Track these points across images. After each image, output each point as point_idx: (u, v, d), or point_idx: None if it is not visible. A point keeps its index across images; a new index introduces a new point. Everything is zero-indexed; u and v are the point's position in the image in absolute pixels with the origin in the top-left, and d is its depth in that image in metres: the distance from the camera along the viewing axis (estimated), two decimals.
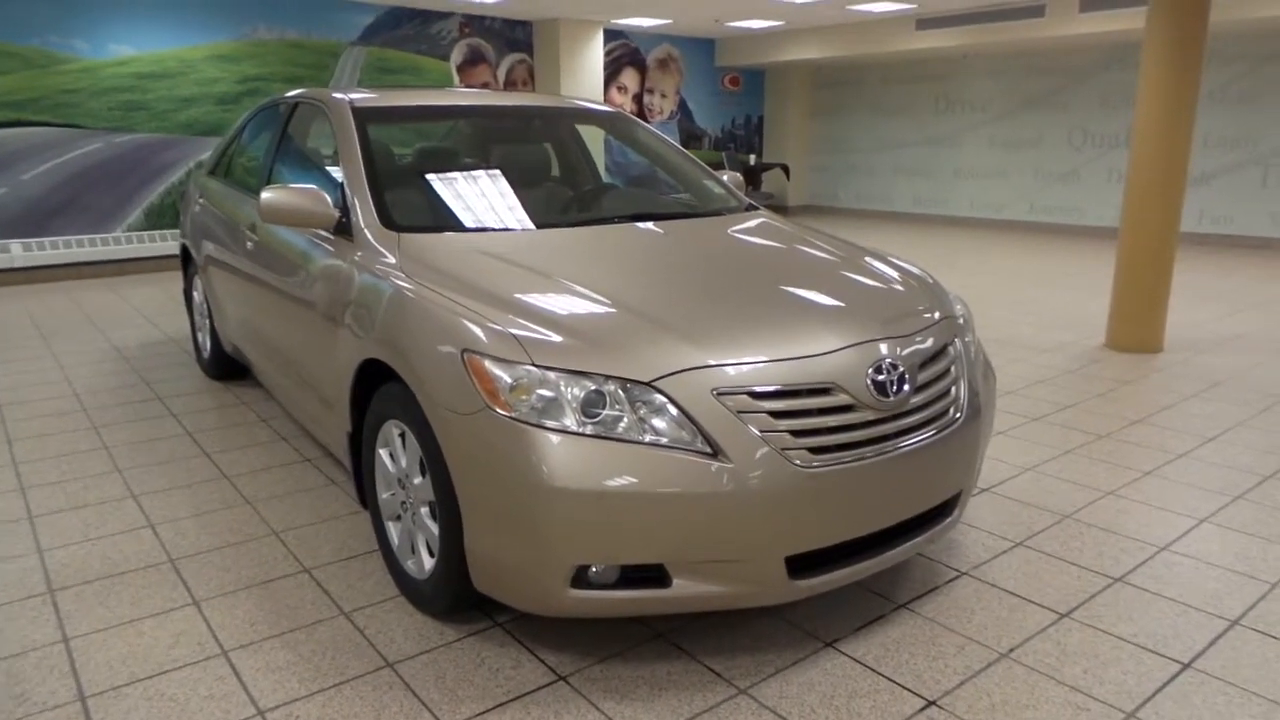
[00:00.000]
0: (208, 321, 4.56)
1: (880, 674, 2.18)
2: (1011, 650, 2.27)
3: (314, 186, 2.84)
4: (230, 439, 3.81)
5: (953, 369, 2.41)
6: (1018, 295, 7.16)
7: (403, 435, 2.39)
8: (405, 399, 2.29)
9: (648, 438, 1.97)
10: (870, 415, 2.13)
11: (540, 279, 2.36)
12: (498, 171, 3.32)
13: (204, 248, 4.35)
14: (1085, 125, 11.20)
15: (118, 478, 3.40)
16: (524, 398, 1.99)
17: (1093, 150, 11.18)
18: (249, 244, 3.59)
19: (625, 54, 12.33)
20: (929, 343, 2.36)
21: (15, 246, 7.64)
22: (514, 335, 2.07)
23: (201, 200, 4.49)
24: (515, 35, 10.91)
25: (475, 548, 2.12)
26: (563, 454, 1.94)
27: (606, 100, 12.06)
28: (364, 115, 3.15)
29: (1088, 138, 11.20)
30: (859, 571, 2.19)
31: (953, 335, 2.49)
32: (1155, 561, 2.73)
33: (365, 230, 2.72)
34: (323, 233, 2.95)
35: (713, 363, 2.03)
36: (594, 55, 11.01)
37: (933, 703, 2.07)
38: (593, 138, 4.01)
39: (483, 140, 3.69)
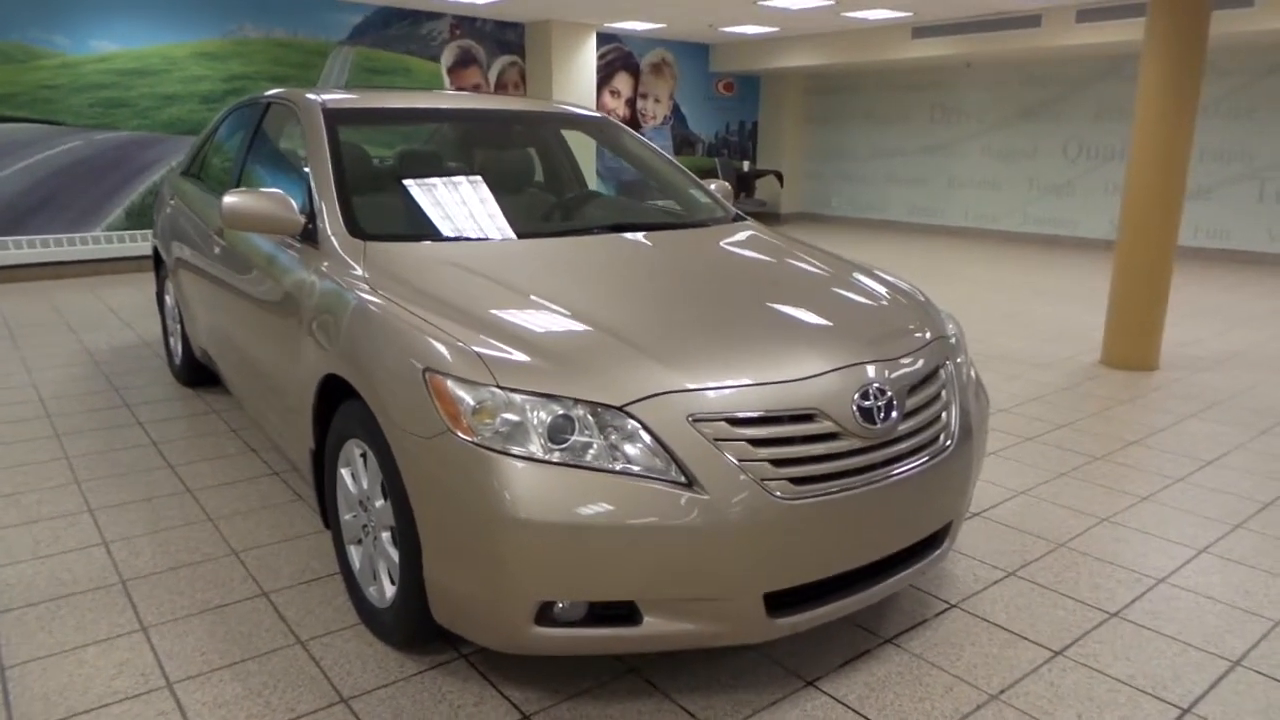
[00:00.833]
0: (179, 326, 4.42)
1: (864, 716, 2.06)
2: (1002, 692, 2.15)
3: (279, 191, 2.71)
4: (197, 450, 3.68)
5: (944, 393, 2.29)
6: (1011, 308, 7.06)
7: (364, 455, 2.26)
8: (366, 418, 2.17)
9: (618, 466, 1.85)
10: (856, 443, 2.01)
11: (511, 293, 2.24)
12: (476, 178, 3.20)
13: (174, 250, 4.21)
14: (1081, 137, 11.14)
15: (75, 490, 3.26)
16: (487, 421, 1.87)
17: (1088, 162, 11.12)
18: (217, 248, 3.45)
19: (618, 58, 12.23)
20: (919, 365, 2.24)
21: None
22: (479, 354, 1.94)
23: (173, 201, 4.36)
24: (507, 37, 10.79)
25: (434, 578, 1.99)
26: (527, 483, 1.82)
27: (599, 104, 11.95)
28: (335, 117, 3.02)
29: (1083, 149, 11.13)
30: (843, 608, 2.07)
31: (944, 357, 2.37)
32: (1153, 595, 2.61)
33: (331, 238, 2.60)
34: (290, 239, 2.82)
35: (689, 387, 1.91)
36: (587, 58, 10.90)
37: None
38: (586, 144, 3.87)
39: (461, 145, 3.57)
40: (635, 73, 12.49)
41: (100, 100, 7.95)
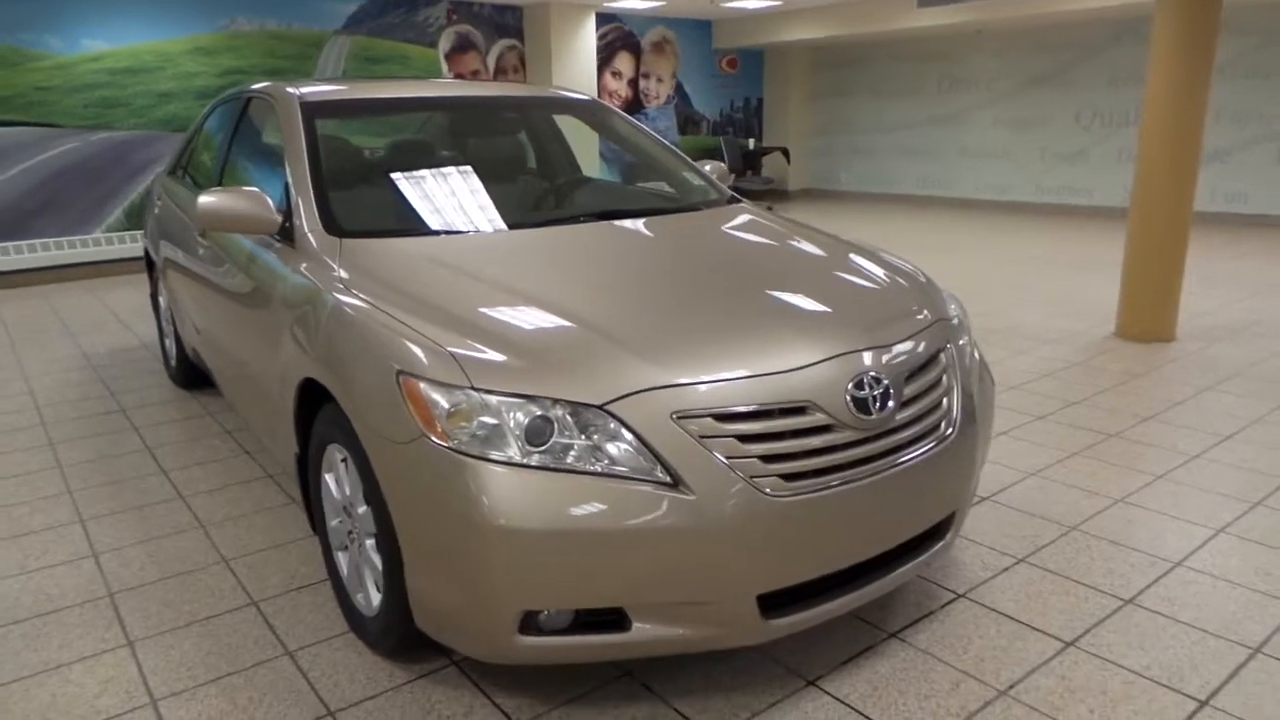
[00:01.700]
0: (172, 327, 4.38)
1: (866, 716, 1.98)
2: (1011, 687, 2.07)
3: (255, 190, 2.63)
4: (190, 454, 3.63)
5: (944, 378, 2.20)
6: (1023, 280, 6.92)
7: (345, 460, 2.20)
8: (344, 422, 2.10)
9: (600, 468, 1.77)
10: (850, 435, 1.92)
11: (489, 288, 2.15)
12: (461, 168, 3.10)
13: (163, 250, 4.16)
14: (1094, 103, 10.89)
15: (67, 500, 3.22)
16: (462, 425, 1.79)
17: (1101, 129, 10.88)
18: (201, 248, 3.39)
19: (619, 38, 12.05)
20: (917, 350, 2.15)
21: None
22: (452, 354, 1.86)
23: (160, 201, 4.30)
24: (505, 21, 10.65)
25: (415, 587, 1.93)
26: (505, 488, 1.74)
27: (601, 86, 11.80)
28: (313, 110, 2.94)
29: (1096, 116, 10.89)
30: (841, 606, 1.99)
31: (945, 340, 2.27)
32: (1169, 579, 2.52)
33: (308, 236, 2.52)
34: (270, 238, 2.75)
35: (672, 382, 1.83)
36: (586, 40, 10.74)
37: None
38: (588, 130, 3.74)
39: (446, 134, 3.48)
40: (636, 52, 12.32)
41: (95, 100, 7.89)
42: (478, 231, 2.59)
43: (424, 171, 2.99)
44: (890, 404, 1.98)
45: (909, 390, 2.06)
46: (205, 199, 2.57)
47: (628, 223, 2.76)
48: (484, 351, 1.87)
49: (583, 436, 1.78)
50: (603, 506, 1.74)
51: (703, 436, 1.79)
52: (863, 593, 2.03)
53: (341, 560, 2.36)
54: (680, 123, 13.12)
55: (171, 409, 4.21)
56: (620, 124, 3.58)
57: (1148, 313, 5.03)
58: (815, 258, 2.58)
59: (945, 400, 2.17)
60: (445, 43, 10.21)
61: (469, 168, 3.10)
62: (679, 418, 1.79)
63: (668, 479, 1.77)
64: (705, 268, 2.40)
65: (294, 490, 3.25)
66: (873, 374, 1.98)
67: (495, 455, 1.76)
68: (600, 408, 1.79)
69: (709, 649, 1.90)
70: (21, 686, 2.15)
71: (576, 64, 10.71)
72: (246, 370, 2.95)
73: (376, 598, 2.16)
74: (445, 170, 3.04)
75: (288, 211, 2.65)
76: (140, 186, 8.16)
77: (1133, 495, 3.06)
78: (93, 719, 2.03)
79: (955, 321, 2.45)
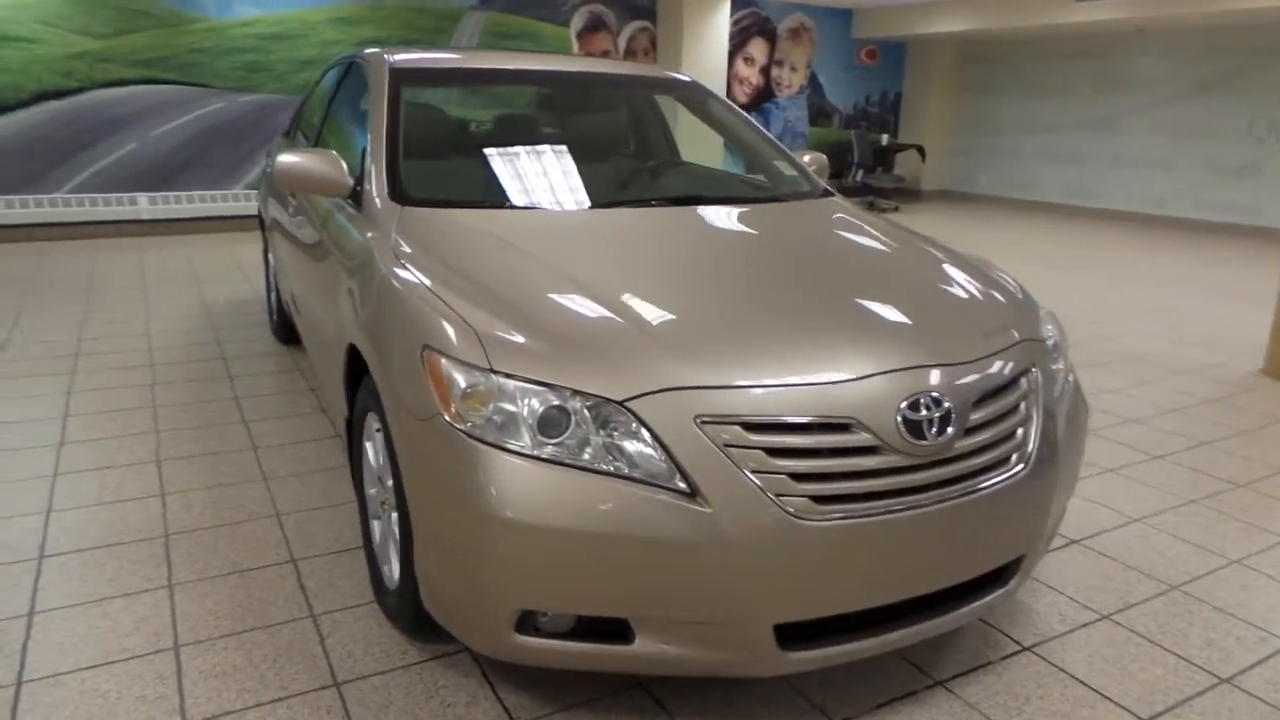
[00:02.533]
0: (274, 283, 4.53)
1: None
2: None
3: (331, 152, 2.64)
4: (272, 407, 3.74)
5: (1023, 405, 1.96)
6: (1163, 303, 6.32)
7: (380, 430, 2.16)
8: (377, 391, 2.06)
9: (614, 468, 1.65)
10: (899, 460, 1.72)
11: (537, 267, 2.06)
12: (545, 144, 3.04)
13: (270, 209, 4.30)
14: (1270, 114, 9.85)
15: (152, 439, 3.36)
16: (477, 408, 1.71)
17: (1277, 143, 9.84)
18: (291, 207, 3.46)
19: (754, 23, 11.77)
20: (995, 372, 1.92)
21: (142, 200, 8.00)
22: (477, 334, 1.78)
23: (269, 162, 4.44)
24: (638, 2, 10.56)
25: (422, 568, 1.87)
26: (512, 479, 1.65)
27: (732, 72, 11.57)
28: (400, 76, 2.93)
29: (1273, 128, 9.85)
30: (875, 647, 1.81)
31: (1030, 363, 2.03)
32: (1277, 660, 2.19)
33: (374, 200, 2.50)
34: (343, 202, 2.76)
35: (699, 383, 1.69)
36: (720, 24, 10.53)
37: None
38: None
39: (535, 109, 3.41)
40: (771, 39, 12.00)
41: (243, 64, 8.31)
42: (542, 208, 2.51)
43: (506, 145, 2.94)
44: (950, 430, 1.77)
45: (977, 416, 1.84)
46: (283, 158, 2.59)
47: (702, 210, 2.62)
48: (510, 333, 1.79)
49: (600, 433, 1.67)
50: (612, 510, 1.62)
51: (728, 445, 1.65)
52: (903, 634, 1.83)
53: (376, 529, 2.34)
54: (811, 114, 12.72)
55: (268, 362, 4.37)
56: (718, 108, 3.42)
57: None
58: (899, 261, 2.36)
59: (1021, 430, 1.93)
60: (578, 21, 10.22)
61: (553, 143, 3.02)
62: (703, 423, 1.65)
63: (685, 488, 1.63)
64: (772, 263, 2.23)
65: None
66: (933, 394, 1.77)
67: (506, 443, 1.67)
68: (621, 404, 1.67)
69: (719, 675, 1.76)
70: (64, 615, 2.24)
71: (707, 48, 10.53)
72: (317, 330, 2.99)
73: (398, 571, 2.12)
74: (527, 145, 2.97)
75: (361, 176, 2.65)
76: None
77: (1253, 558, 2.70)
78: (118, 655, 2.08)
79: (1050, 343, 2.20)
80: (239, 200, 8.36)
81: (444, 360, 1.77)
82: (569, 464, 1.65)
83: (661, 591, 1.65)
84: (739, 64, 11.77)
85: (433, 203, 2.46)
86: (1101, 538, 2.79)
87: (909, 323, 1.96)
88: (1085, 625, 2.32)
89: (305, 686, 2.00)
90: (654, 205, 2.63)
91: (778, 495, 1.64)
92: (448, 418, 1.72)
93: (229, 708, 1.92)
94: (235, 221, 8.40)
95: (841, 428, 1.70)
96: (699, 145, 4.38)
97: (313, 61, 8.55)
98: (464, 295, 1.93)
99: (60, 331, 4.77)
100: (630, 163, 3.46)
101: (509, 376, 1.71)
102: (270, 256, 4.70)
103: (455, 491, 1.71)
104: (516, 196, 2.59)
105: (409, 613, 2.04)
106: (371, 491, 2.34)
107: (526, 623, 1.73)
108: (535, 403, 1.68)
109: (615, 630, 1.72)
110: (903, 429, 1.72)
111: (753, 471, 1.64)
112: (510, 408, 1.69)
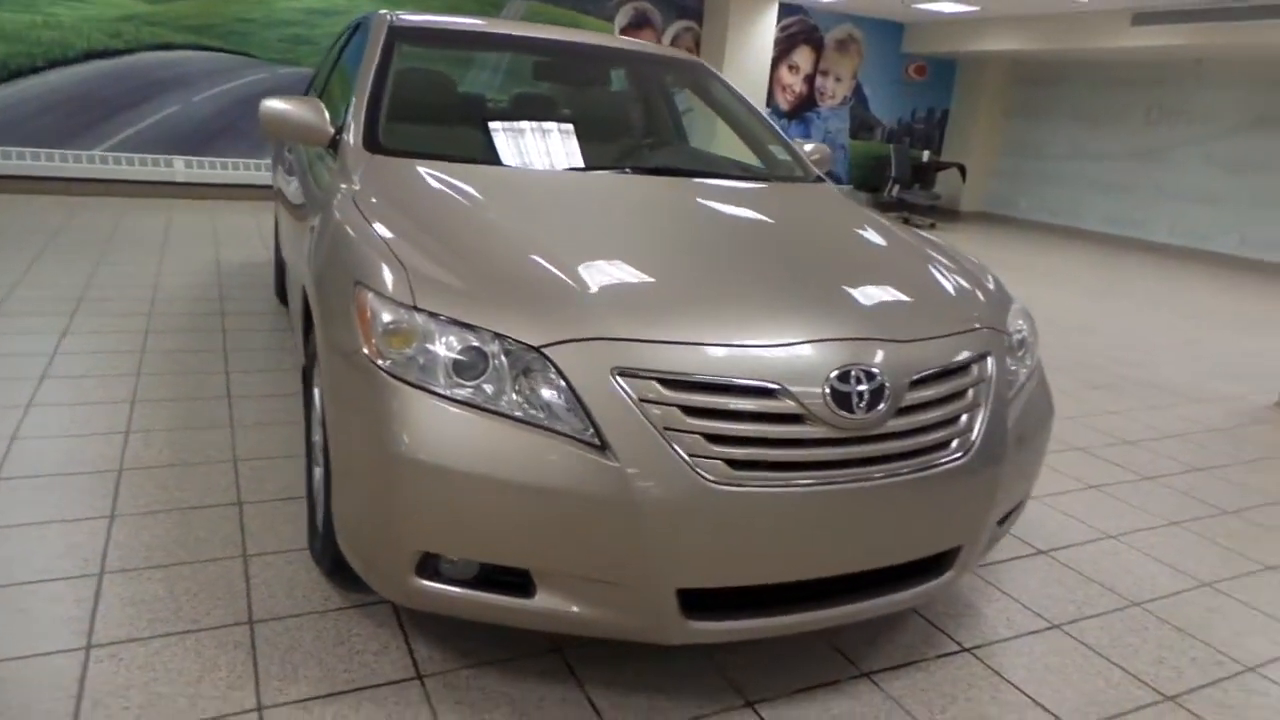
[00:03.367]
0: (277, 244, 4.57)
1: None
2: None
3: (314, 99, 2.64)
4: (256, 361, 3.76)
5: (971, 393, 1.88)
6: (1191, 334, 6.11)
7: None
8: None
9: (525, 414, 1.61)
10: (824, 432, 1.66)
11: (485, 217, 2.04)
12: (532, 111, 3.02)
13: (276, 171, 4.33)
14: None
15: (131, 382, 3.39)
16: (398, 346, 1.68)
17: None
18: (286, 162, 3.48)
19: (801, 30, 11.68)
20: (941, 355, 1.85)
21: (179, 162, 8.15)
22: (406, 271, 1.76)
23: None
24: (685, 1, 10.54)
25: (337, 509, 1.85)
26: (421, 419, 1.62)
27: (775, 78, 11.49)
28: (397, 33, 2.93)
29: None
30: (786, 626, 1.74)
31: (985, 351, 1.95)
32: (1231, 684, 2.07)
33: (347, 148, 2.50)
34: (324, 151, 2.76)
35: (620, 335, 1.64)
36: (765, 28, 10.46)
37: None
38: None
39: (532, 79, 3.39)
40: (818, 48, 11.90)
41: (288, 36, 8.44)
42: (509, 166, 2.49)
43: (490, 107, 2.92)
44: (882, 406, 1.71)
45: (915, 396, 1.77)
46: (266, 103, 2.60)
47: (675, 180, 2.57)
48: (440, 274, 1.76)
49: (518, 379, 1.63)
50: (518, 456, 1.58)
51: (642, 400, 1.60)
52: (821, 616, 1.77)
53: (317, 476, 2.32)
54: (854, 126, 12.58)
55: (265, 320, 4.40)
56: (719, 89, 3.37)
57: None
58: (866, 244, 2.30)
59: (966, 417, 1.85)
60: (622, 18, 10.22)
61: (542, 111, 3.00)
62: (620, 375, 1.60)
63: (596, 440, 1.59)
64: (730, 232, 2.18)
65: None
66: (865, 369, 1.71)
67: (419, 381, 1.64)
68: (538, 350, 1.63)
69: (622, 638, 1.71)
70: (3, 534, 2.25)
71: (751, 52, 10.46)
72: (291, 280, 2.99)
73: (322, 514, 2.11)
74: (513, 110, 2.95)
75: (342, 125, 2.64)
76: None
77: (1226, 582, 2.57)
78: (44, 577, 2.09)
79: (1017, 337, 2.11)
80: (269, 170, 8.48)
81: (371, 295, 1.75)
82: (480, 406, 1.62)
83: (564, 545, 1.60)
84: (783, 71, 11.69)
85: (402, 153, 2.44)
86: (1070, 550, 2.68)
87: (858, 298, 1.89)
88: (1033, 632, 2.22)
89: (218, 622, 1.98)
90: (626, 173, 2.59)
91: (691, 456, 1.59)
92: (366, 351, 1.70)
93: (137, 634, 1.91)
94: (263, 191, 8.53)
95: (764, 392, 1.64)
96: (714, 135, 4.33)
97: None
98: (405, 237, 1.90)
99: (70, 277, 4.86)
100: (616, 136, 3.42)
101: (431, 315, 1.68)
102: (277, 220, 4.75)
103: (367, 428, 1.68)
104: (486, 154, 2.57)
105: (330, 556, 2.03)
106: (315, 438, 2.32)
107: (427, 566, 1.69)
108: (454, 342, 1.65)
109: (517, 583, 1.68)
110: (830, 400, 1.66)
111: (667, 429, 1.59)
112: (430, 347, 1.66)
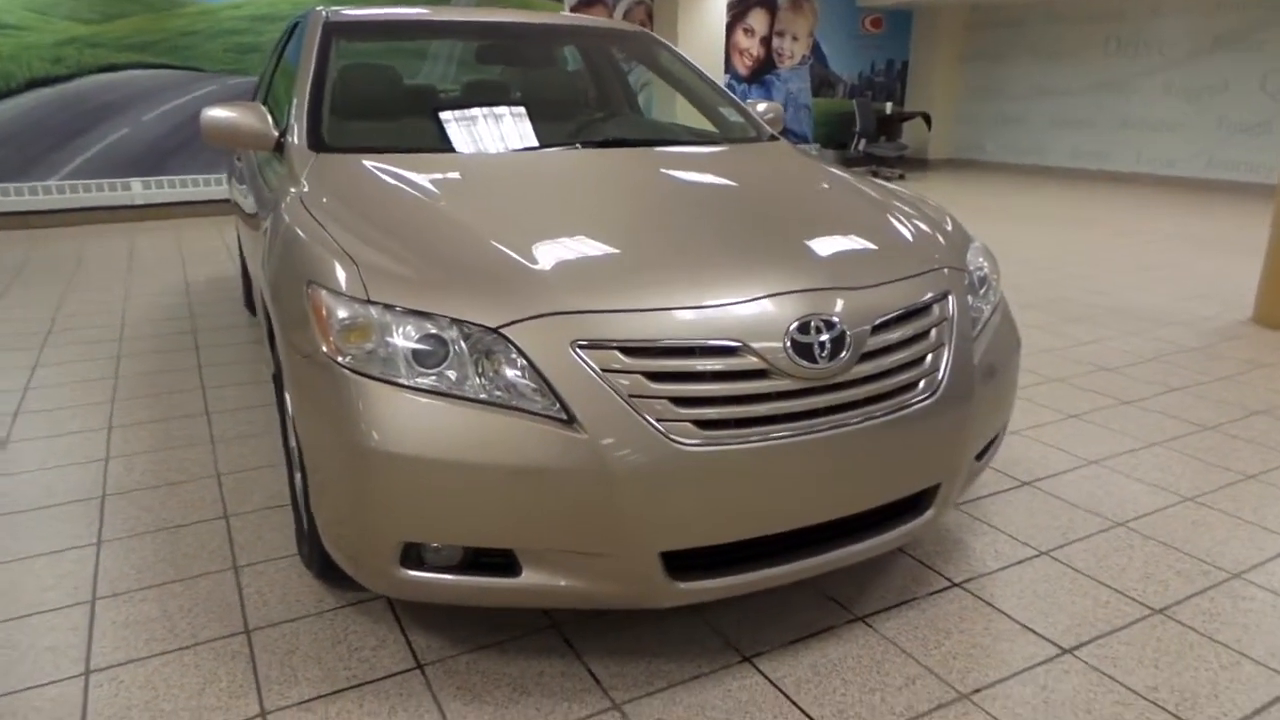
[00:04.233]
0: (240, 254, 4.53)
1: (794, 703, 1.75)
2: (976, 692, 1.78)
3: (255, 104, 2.61)
4: (233, 374, 3.74)
5: (934, 333, 1.89)
6: (1163, 259, 6.16)
7: None
8: None
9: (489, 396, 1.61)
10: (789, 384, 1.67)
11: (433, 205, 2.02)
12: (477, 96, 2.99)
13: (231, 182, 4.29)
14: None
15: (107, 409, 3.37)
16: (357, 341, 1.67)
17: None
18: (238, 171, 3.45)
19: None
20: (900, 297, 1.86)
21: (136, 184, 8.05)
22: (357, 266, 1.75)
23: None
24: None
25: (316, 508, 1.85)
26: (388, 411, 1.62)
27: (730, 43, 11.43)
28: (333, 29, 2.89)
29: None
30: (775, 577, 1.76)
31: (945, 290, 1.96)
32: (1217, 592, 2.11)
33: (292, 149, 2.47)
34: (270, 155, 2.73)
35: (576, 308, 1.64)
36: None
37: None
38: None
39: (475, 63, 3.36)
40: (772, 9, 11.82)
41: (233, 46, 8.32)
42: (456, 153, 2.47)
43: (433, 96, 2.90)
44: (844, 354, 1.72)
45: (877, 341, 1.78)
46: (208, 112, 2.57)
47: (625, 151, 2.56)
48: (392, 266, 1.75)
49: (476, 361, 1.63)
50: (489, 439, 1.58)
51: (605, 371, 1.60)
52: (808, 564, 1.79)
53: (298, 481, 2.32)
54: (815, 84, 12.53)
55: (237, 333, 4.37)
56: (667, 58, 3.35)
57: None
58: (821, 195, 2.30)
59: (930, 357, 1.87)
60: None
61: (486, 95, 2.98)
62: (580, 347, 1.61)
63: (563, 415, 1.59)
64: (684, 198, 2.18)
65: None
66: (824, 318, 1.71)
67: (382, 374, 1.64)
68: (496, 331, 1.63)
69: (613, 607, 1.73)
70: None
71: (705, 21, 10.38)
72: (257, 290, 2.98)
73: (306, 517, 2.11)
74: (458, 97, 2.93)
75: (285, 128, 2.62)
76: None
77: (1208, 495, 2.61)
78: (34, 610, 2.08)
79: (978, 274, 2.13)
80: (227, 185, 8.39)
81: (325, 294, 1.74)
82: (445, 393, 1.62)
83: (543, 521, 1.61)
84: (738, 35, 11.62)
85: (346, 149, 2.42)
86: (1052, 480, 2.72)
87: (814, 249, 1.90)
88: (1021, 562, 2.25)
89: (215, 634, 1.99)
90: (576, 148, 2.57)
91: (659, 420, 1.60)
92: (325, 350, 1.69)
93: (135, 655, 1.91)
94: (226, 205, 8.44)
95: (726, 351, 1.65)
96: (673, 105, 4.31)
97: None
98: (354, 232, 1.89)
99: (36, 310, 4.80)
100: (567, 112, 3.40)
101: (386, 307, 1.67)
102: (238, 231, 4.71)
103: (335, 426, 1.68)
104: (431, 143, 2.56)
105: (319, 558, 2.03)
106: (292, 443, 2.32)
107: (410, 555, 1.70)
108: (412, 331, 1.65)
109: (502, 563, 1.69)
110: (792, 352, 1.67)
111: (633, 396, 1.60)
112: (389, 339, 1.66)
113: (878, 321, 1.79)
